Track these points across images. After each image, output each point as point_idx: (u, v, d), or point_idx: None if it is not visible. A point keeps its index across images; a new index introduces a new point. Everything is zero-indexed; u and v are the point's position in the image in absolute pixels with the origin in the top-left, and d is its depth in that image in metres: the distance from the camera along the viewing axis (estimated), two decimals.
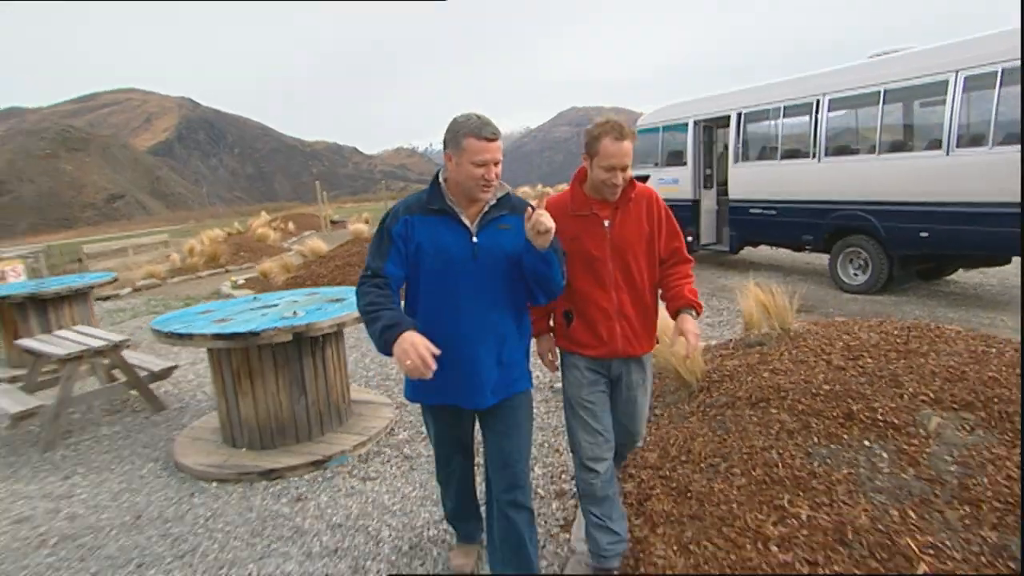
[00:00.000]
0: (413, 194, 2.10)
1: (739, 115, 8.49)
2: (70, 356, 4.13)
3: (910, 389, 2.82)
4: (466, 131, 1.89)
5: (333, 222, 27.58)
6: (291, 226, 24.96)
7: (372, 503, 3.06)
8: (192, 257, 14.64)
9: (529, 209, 1.93)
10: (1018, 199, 5.46)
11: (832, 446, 2.64)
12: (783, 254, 10.25)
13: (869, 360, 3.16)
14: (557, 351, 2.40)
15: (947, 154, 6.10)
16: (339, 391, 3.94)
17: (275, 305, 4.08)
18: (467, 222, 2.01)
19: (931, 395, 2.75)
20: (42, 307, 5.97)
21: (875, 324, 3.76)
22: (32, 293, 5.86)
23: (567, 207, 2.23)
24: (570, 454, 2.72)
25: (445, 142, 1.96)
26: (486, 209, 2.03)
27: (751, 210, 8.41)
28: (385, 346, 1.79)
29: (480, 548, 2.54)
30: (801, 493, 2.44)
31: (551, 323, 2.43)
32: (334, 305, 3.94)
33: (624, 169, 2.09)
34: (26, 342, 4.59)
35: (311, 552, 2.68)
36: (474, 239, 2.01)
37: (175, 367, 4.96)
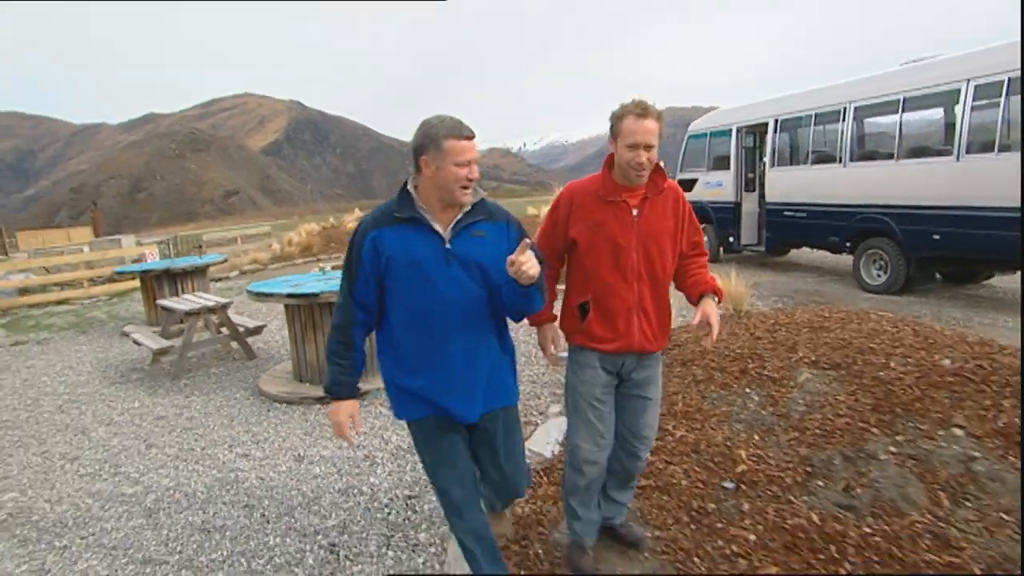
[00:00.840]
0: (379, 206, 2.02)
1: (775, 122, 8.98)
2: (191, 311, 5.59)
3: (800, 354, 3.56)
4: (445, 132, 1.83)
5: None
6: None
7: (389, 423, 4.15)
8: (290, 247, 16.60)
9: (517, 254, 1.76)
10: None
11: (722, 392, 3.45)
12: (824, 256, 10.53)
13: (784, 333, 3.89)
14: (562, 343, 2.31)
15: (957, 159, 6.44)
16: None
17: (336, 278, 5.30)
18: (439, 229, 1.92)
19: (813, 358, 3.48)
20: (172, 279, 7.63)
21: (817, 309, 4.43)
22: (166, 268, 7.55)
23: (596, 191, 2.15)
24: None
25: (419, 147, 1.87)
26: (460, 216, 1.93)
27: (784, 212, 8.87)
28: (329, 396, 2.03)
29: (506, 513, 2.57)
30: (684, 421, 3.28)
31: (555, 313, 2.32)
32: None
33: (648, 148, 2.00)
34: (162, 302, 6.21)
35: (342, 445, 3.81)
36: (447, 245, 1.91)
37: (264, 326, 6.37)
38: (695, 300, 2.23)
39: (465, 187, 1.87)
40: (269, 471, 3.57)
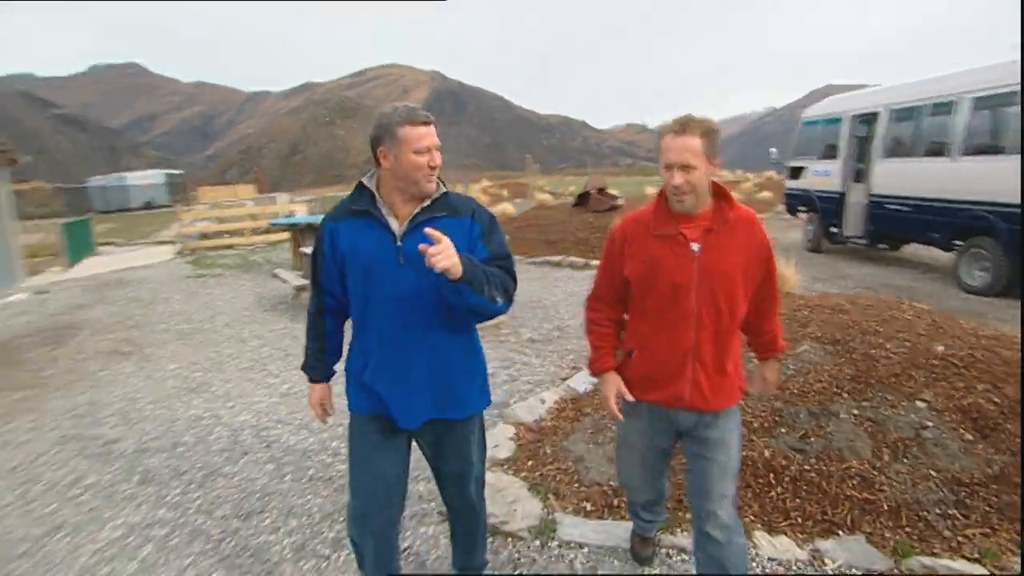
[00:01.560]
0: (341, 199, 1.97)
1: (887, 111, 8.78)
2: None
3: (808, 330, 4.03)
4: (398, 121, 1.75)
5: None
6: (504, 192, 28.29)
7: None
8: None
9: (430, 244, 1.64)
10: None
11: None
12: (939, 255, 10.09)
13: (805, 313, 4.33)
14: (627, 391, 2.01)
15: None
16: None
17: None
18: (394, 225, 1.84)
19: (818, 335, 3.95)
20: (314, 232, 9.20)
21: (852, 296, 4.77)
22: (309, 223, 9.08)
23: (647, 225, 1.93)
24: None
25: (374, 139, 1.80)
26: (417, 211, 1.84)
27: (888, 205, 8.72)
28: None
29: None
30: None
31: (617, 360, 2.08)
32: None
33: (685, 169, 1.75)
34: (304, 249, 7.66)
35: None
36: (398, 243, 1.82)
37: None
38: (759, 356, 2.11)
39: (428, 174, 1.79)
40: None
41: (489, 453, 2.83)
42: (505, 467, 3.35)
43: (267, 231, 13.92)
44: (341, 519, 2.88)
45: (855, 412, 3.28)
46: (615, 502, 2.94)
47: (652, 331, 1.96)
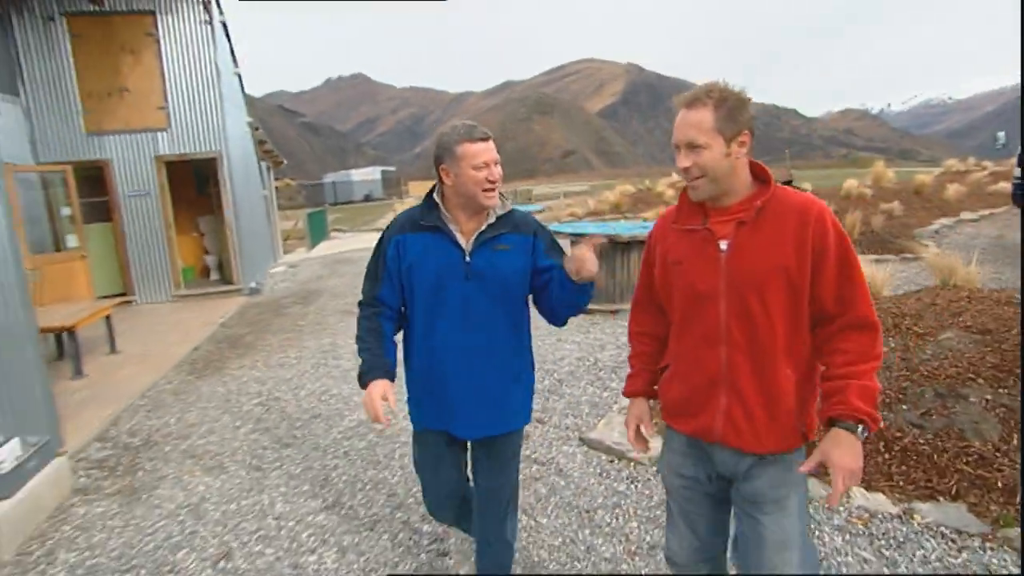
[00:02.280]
0: (406, 211, 2.03)
1: None
2: None
3: (961, 318, 4.07)
4: (457, 139, 1.82)
5: None
6: None
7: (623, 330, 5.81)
8: (602, 205, 18.99)
9: (581, 246, 1.74)
10: None
11: None
12: None
13: (963, 304, 4.29)
14: (648, 424, 1.78)
15: None
16: (634, 277, 6.74)
17: (613, 228, 7.06)
18: (461, 240, 1.91)
19: (969, 323, 3.97)
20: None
21: (987, 293, 4.57)
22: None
23: (671, 218, 1.67)
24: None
25: (436, 159, 1.89)
26: (483, 227, 1.91)
27: None
28: (361, 387, 1.91)
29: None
30: None
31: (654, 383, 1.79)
32: (637, 229, 6.71)
33: (691, 148, 1.45)
34: None
35: (588, 336, 5.60)
36: (467, 259, 1.89)
37: None
38: (825, 423, 1.46)
39: (487, 190, 1.84)
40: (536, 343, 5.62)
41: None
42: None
43: None
44: None
45: (988, 397, 3.38)
46: None
47: (681, 347, 1.63)
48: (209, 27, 9.21)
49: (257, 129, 12.01)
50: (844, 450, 1.37)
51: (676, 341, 1.66)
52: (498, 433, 2.01)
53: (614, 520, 2.86)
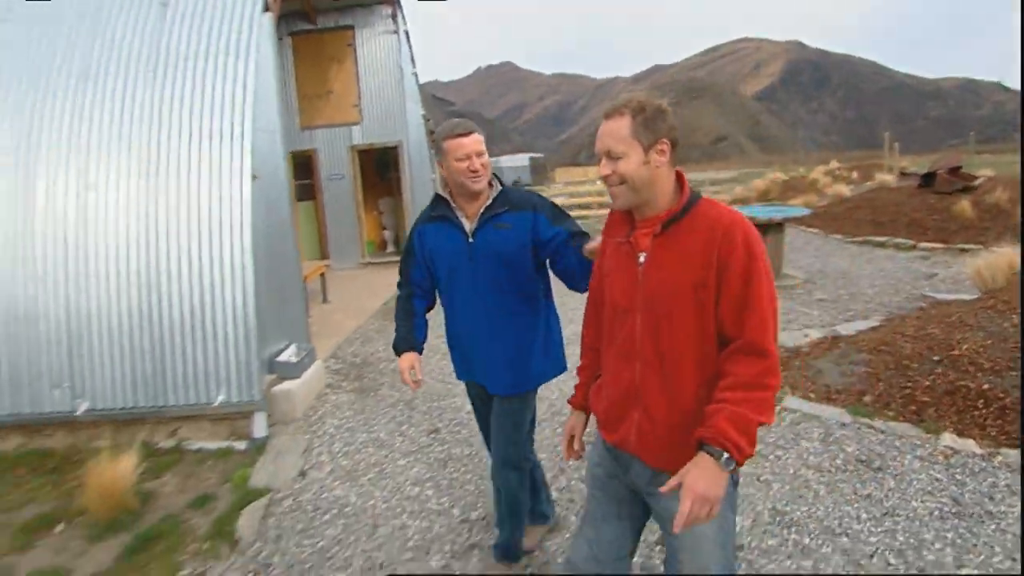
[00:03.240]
0: (426, 207, 2.32)
1: None
2: None
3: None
4: (443, 136, 2.10)
5: (904, 174, 26.92)
6: (854, 175, 25.99)
7: None
8: (749, 192, 18.74)
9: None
10: None
11: (991, 315, 4.46)
12: None
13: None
14: (579, 438, 1.79)
15: None
16: (779, 260, 7.14)
17: (750, 211, 7.53)
18: (466, 224, 2.17)
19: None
20: None
21: None
22: None
23: (606, 230, 1.68)
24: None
25: (435, 157, 2.22)
26: (482, 209, 2.14)
27: None
28: (396, 355, 2.27)
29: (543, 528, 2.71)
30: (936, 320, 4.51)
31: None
32: (780, 214, 7.12)
33: (609, 156, 1.46)
34: None
35: None
36: (470, 240, 2.15)
37: None
38: (694, 442, 1.38)
39: (470, 176, 2.08)
40: None
41: None
42: None
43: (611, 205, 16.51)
44: None
45: None
46: (833, 396, 4.01)
47: (606, 360, 1.66)
48: (395, 36, 10.80)
49: (428, 120, 13.63)
50: (699, 473, 1.30)
51: (603, 353, 1.69)
52: (513, 393, 2.26)
53: None
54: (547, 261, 2.21)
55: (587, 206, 17.32)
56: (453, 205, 2.20)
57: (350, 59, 10.82)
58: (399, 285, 2.39)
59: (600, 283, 1.70)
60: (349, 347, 5.93)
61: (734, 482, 1.54)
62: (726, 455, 1.30)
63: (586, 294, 1.85)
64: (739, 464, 1.32)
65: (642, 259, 1.50)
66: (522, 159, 51.14)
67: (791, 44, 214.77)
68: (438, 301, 2.41)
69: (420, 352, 2.27)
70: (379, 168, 12.56)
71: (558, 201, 15.45)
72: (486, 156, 2.12)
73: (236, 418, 4.07)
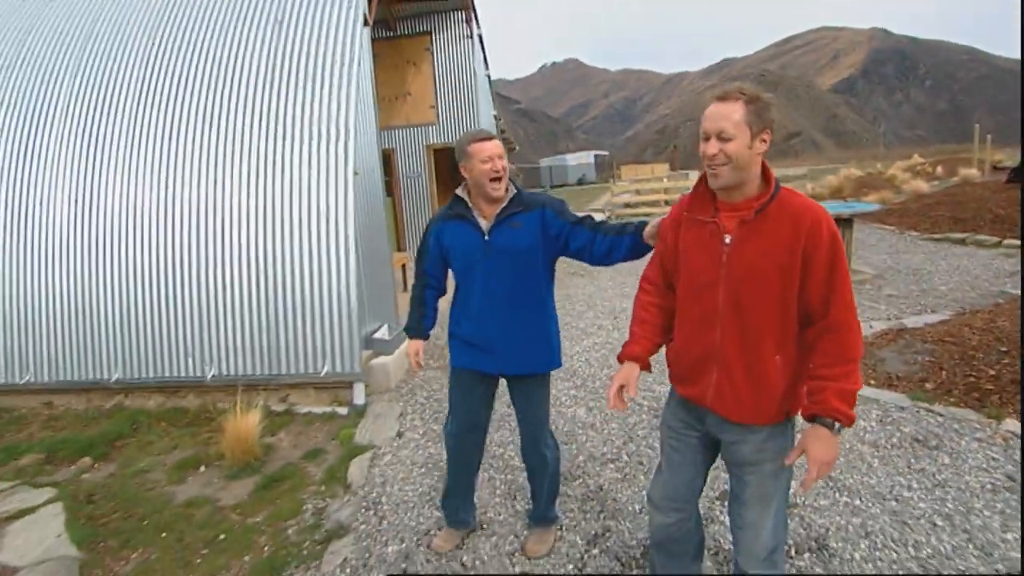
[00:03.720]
0: (442, 207, 2.47)
1: None
2: None
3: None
4: (467, 140, 2.28)
5: (998, 168, 25.35)
6: (938, 170, 24.77)
7: None
8: (821, 189, 18.28)
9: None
10: None
11: None
12: None
13: None
14: (633, 387, 1.83)
15: None
16: (847, 255, 7.21)
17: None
18: (482, 223, 2.33)
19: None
20: None
21: None
22: None
23: (685, 206, 1.81)
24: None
25: (457, 161, 2.34)
26: (499, 210, 2.32)
27: None
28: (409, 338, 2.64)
29: (465, 534, 2.82)
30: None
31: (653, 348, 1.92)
32: (848, 209, 7.15)
33: (720, 137, 1.57)
34: None
35: None
36: (486, 237, 2.32)
37: None
38: (806, 415, 1.64)
39: (493, 179, 2.26)
40: None
41: None
42: None
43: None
44: None
45: None
46: (895, 382, 4.16)
47: (683, 324, 1.83)
48: (470, 40, 11.31)
49: (499, 119, 14.11)
50: (820, 444, 1.58)
51: (680, 318, 1.84)
52: (535, 372, 2.45)
53: None
54: (562, 247, 2.39)
55: (654, 203, 17.38)
56: (470, 205, 2.38)
57: (427, 63, 11.41)
58: (415, 275, 2.62)
59: (672, 253, 1.84)
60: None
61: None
62: (838, 424, 1.57)
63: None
64: (846, 427, 1.60)
65: (727, 240, 1.65)
66: (587, 157, 51.13)
67: (875, 32, 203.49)
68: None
69: (426, 339, 2.67)
70: (452, 166, 13.15)
71: (624, 199, 15.64)
72: (506, 160, 2.30)
73: (338, 387, 4.63)
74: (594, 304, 7.18)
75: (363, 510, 3.16)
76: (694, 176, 23.50)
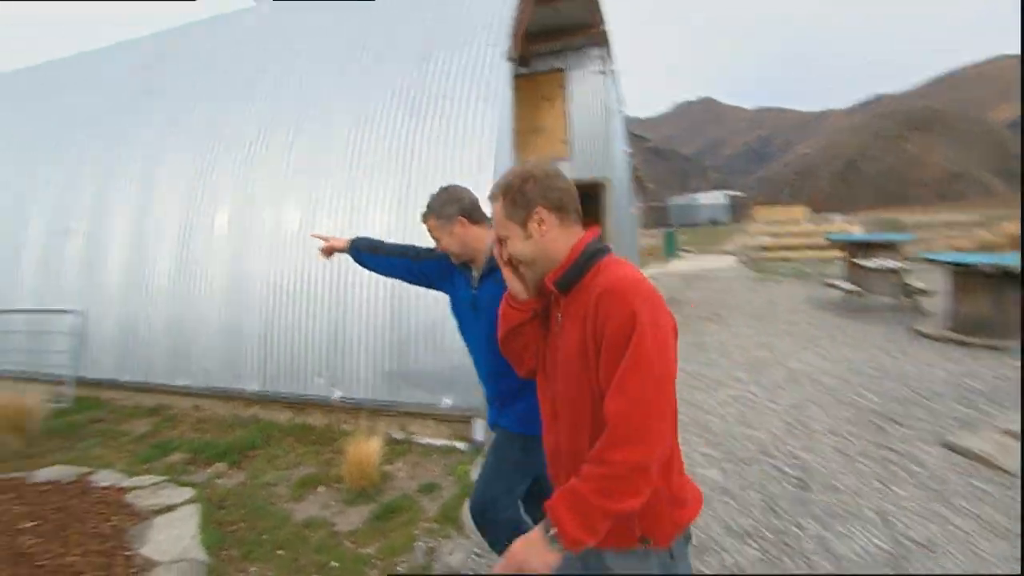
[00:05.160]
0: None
1: None
2: (874, 268, 7.96)
3: None
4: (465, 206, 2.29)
5: None
6: None
7: (1008, 368, 5.45)
8: (997, 238, 16.09)
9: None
10: None
11: None
12: None
13: None
14: None
15: None
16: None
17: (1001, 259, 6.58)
18: (474, 275, 2.28)
19: None
20: (867, 248, 10.05)
21: None
22: (865, 240, 10.01)
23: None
24: None
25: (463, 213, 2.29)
26: (484, 262, 2.21)
27: None
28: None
29: None
30: None
31: None
32: None
33: (499, 240, 1.53)
34: (856, 260, 8.79)
35: (950, 371, 5.52)
36: (473, 290, 2.24)
37: (931, 291, 8.01)
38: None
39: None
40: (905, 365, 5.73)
41: None
42: None
43: (819, 248, 15.20)
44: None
45: None
46: None
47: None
48: (603, 76, 11.26)
49: (633, 156, 13.90)
50: (522, 549, 1.30)
51: None
52: (503, 426, 2.30)
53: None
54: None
55: (794, 248, 16.18)
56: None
57: (560, 98, 11.48)
58: (418, 251, 2.57)
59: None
60: None
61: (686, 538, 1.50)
62: (553, 531, 1.27)
63: None
64: (566, 548, 1.26)
65: (560, 319, 1.51)
66: (720, 196, 49.19)
67: None
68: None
69: (351, 246, 2.69)
70: (585, 201, 13.09)
71: (759, 242, 14.66)
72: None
73: (458, 420, 4.53)
74: (729, 353, 6.64)
75: (474, 556, 2.99)
76: (838, 220, 21.98)
